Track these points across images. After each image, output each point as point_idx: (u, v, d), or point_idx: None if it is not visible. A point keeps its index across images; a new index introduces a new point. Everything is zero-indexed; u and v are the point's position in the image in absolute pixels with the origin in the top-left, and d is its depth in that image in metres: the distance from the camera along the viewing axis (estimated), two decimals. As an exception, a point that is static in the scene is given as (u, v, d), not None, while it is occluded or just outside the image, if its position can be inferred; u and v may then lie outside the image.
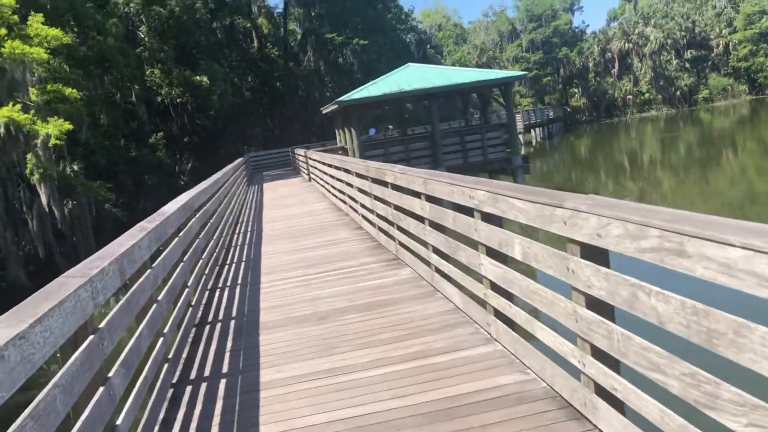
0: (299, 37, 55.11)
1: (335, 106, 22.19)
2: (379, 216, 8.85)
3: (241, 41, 53.80)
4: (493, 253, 4.21)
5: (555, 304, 3.26)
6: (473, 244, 4.63)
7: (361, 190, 10.26)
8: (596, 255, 2.80)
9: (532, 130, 60.55)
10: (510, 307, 4.10)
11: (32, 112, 17.42)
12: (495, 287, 4.28)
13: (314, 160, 19.34)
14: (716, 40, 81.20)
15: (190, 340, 5.80)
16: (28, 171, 17.44)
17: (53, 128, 16.79)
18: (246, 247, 10.64)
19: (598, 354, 2.85)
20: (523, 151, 21.34)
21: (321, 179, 18.26)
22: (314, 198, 17.29)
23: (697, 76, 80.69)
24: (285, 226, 12.32)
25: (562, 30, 77.59)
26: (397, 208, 7.30)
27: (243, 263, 9.34)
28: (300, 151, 25.14)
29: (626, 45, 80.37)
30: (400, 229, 7.45)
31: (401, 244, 7.54)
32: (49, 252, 19.49)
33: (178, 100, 40.11)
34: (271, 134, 51.94)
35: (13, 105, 16.95)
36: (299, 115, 51.35)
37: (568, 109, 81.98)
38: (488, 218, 4.23)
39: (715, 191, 24.01)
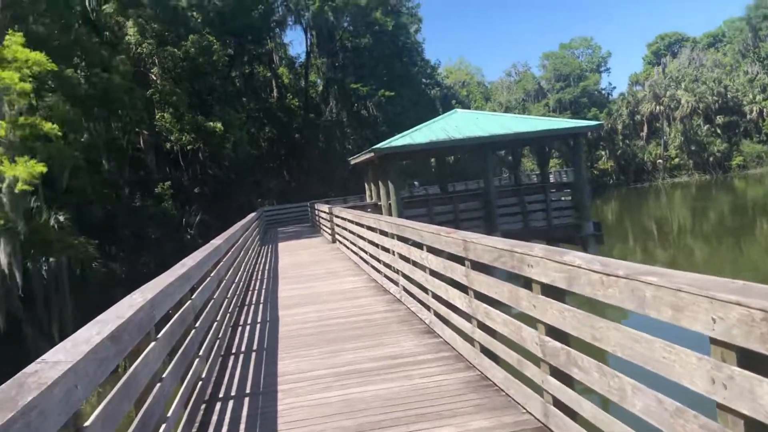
0: (321, 88, 52.65)
1: (368, 156, 18.77)
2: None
3: (259, 90, 51.41)
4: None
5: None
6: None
7: (433, 273, 6.62)
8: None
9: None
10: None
11: (0, 150, 14.15)
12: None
13: (341, 218, 15.79)
14: (749, 106, 78.63)
15: None
16: (-15, 222, 14.03)
17: (22, 170, 13.44)
18: (251, 362, 6.77)
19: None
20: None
21: (350, 242, 14.66)
22: (344, 267, 13.63)
23: (728, 142, 77.73)
24: (311, 317, 8.59)
25: (591, 90, 75.17)
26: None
27: (244, 408, 5.40)
28: (322, 207, 21.64)
29: (656, 108, 77.80)
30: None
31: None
32: (14, 321, 15.87)
33: (189, 148, 37.09)
34: (288, 187, 48.78)
35: (-23, 140, 13.72)
36: (318, 168, 48.28)
37: (596, 172, 78.86)
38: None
39: (747, 261, 22.66)
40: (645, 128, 79.06)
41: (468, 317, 5.47)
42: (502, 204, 18.29)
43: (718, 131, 77.95)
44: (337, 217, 16.98)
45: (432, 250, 6.38)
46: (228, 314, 8.32)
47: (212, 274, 7.18)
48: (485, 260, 4.54)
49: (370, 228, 11.40)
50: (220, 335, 7.18)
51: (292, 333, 7.69)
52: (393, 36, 50.39)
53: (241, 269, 11.94)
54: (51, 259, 16.57)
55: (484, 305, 4.90)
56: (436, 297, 6.63)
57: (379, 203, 19.00)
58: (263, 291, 11.45)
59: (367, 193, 22.58)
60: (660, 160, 78.19)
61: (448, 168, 27.94)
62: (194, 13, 38.50)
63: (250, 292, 11.32)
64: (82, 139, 28.64)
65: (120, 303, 3.75)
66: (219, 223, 41.48)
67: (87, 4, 34.53)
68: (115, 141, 34.69)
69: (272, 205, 45.33)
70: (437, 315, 6.68)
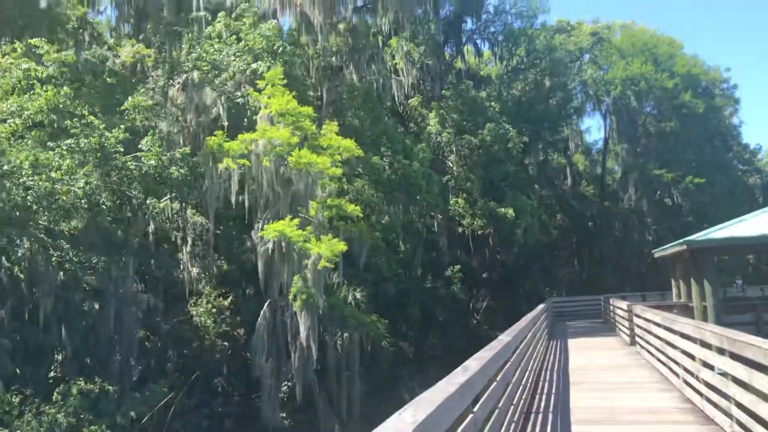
0: (619, 174, 49.94)
1: (677, 248, 16.44)
2: None
3: (552, 177, 50.56)
4: None
5: None
6: None
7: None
8: None
9: None
10: None
11: (309, 228, 15.30)
12: None
13: (645, 318, 13.76)
14: None
15: None
16: (291, 296, 15.10)
17: (326, 248, 14.29)
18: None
19: None
20: None
21: (656, 348, 12.58)
22: (648, 378, 11.63)
23: None
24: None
25: None
26: None
27: None
28: (620, 304, 19.51)
29: None
30: None
31: None
32: (308, 393, 16.70)
33: (479, 232, 37.38)
34: (578, 278, 46.38)
35: (292, 219, 15.00)
36: (612, 259, 45.20)
37: None
38: None
39: None
40: None
41: None
42: None
43: None
44: (638, 317, 14.94)
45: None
46: (513, 424, 7.25)
47: (498, 378, 6.25)
48: None
49: (685, 336, 9.50)
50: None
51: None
52: (704, 119, 45.99)
53: (528, 368, 10.81)
54: (345, 335, 17.26)
55: None
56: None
57: (690, 304, 16.42)
58: (552, 397, 10.13)
59: (674, 291, 19.87)
60: None
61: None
62: (492, 103, 39.60)
63: (537, 397, 10.09)
64: (383, 221, 30.57)
65: (385, 426, 2.99)
66: (505, 309, 40.81)
67: (396, 98, 37.73)
68: (412, 224, 36.48)
69: (560, 296, 43.29)
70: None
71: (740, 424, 6.55)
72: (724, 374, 6.96)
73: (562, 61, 43.25)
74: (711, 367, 7.93)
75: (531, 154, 46.25)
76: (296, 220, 15.39)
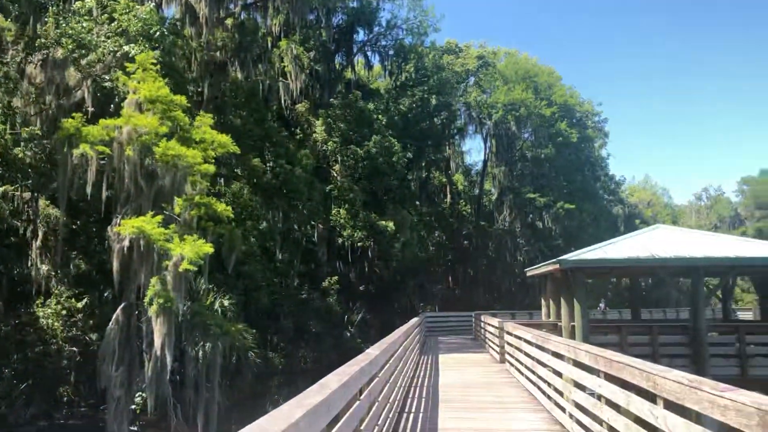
0: (495, 196, 51.47)
1: (549, 268, 16.63)
2: None
3: (433, 195, 51.29)
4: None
5: None
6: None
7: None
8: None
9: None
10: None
11: (172, 227, 14.04)
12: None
13: (516, 336, 13.68)
14: None
15: None
16: (147, 299, 13.73)
17: (189, 249, 13.09)
18: None
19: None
20: None
21: (526, 367, 12.47)
22: (518, 398, 11.44)
23: None
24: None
25: (798, 222, 66.83)
26: None
27: None
28: (491, 321, 19.57)
29: None
30: None
31: None
32: (163, 405, 15.29)
33: (359, 244, 36.94)
34: (451, 294, 47.11)
35: (154, 216, 13.70)
36: (485, 278, 46.32)
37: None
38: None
39: None
40: None
41: None
42: (714, 342, 15.12)
43: None
44: (509, 334, 14.88)
45: (681, 411, 4.30)
46: (376, 447, 6.60)
47: (362, 397, 5.57)
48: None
49: (556, 355, 9.30)
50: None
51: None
52: (576, 148, 48.41)
53: (398, 385, 10.24)
54: (207, 344, 16.02)
55: None
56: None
57: (558, 323, 16.62)
58: (420, 416, 9.60)
59: (543, 310, 20.21)
60: None
61: (640, 291, 24.62)
62: (380, 116, 39.49)
63: (405, 416, 9.52)
64: (261, 227, 29.35)
65: None
66: (380, 323, 40.56)
67: (282, 102, 36.71)
68: (291, 232, 35.48)
69: (434, 311, 43.72)
70: None
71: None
72: (598, 396, 6.68)
73: (449, 81, 43.98)
74: (583, 388, 7.69)
75: (414, 170, 46.64)
76: (159, 217, 14.06)
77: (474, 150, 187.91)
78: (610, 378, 6.19)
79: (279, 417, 2.96)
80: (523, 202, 46.72)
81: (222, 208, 15.59)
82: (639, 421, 5.26)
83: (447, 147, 48.85)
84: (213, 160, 15.89)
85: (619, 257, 15.04)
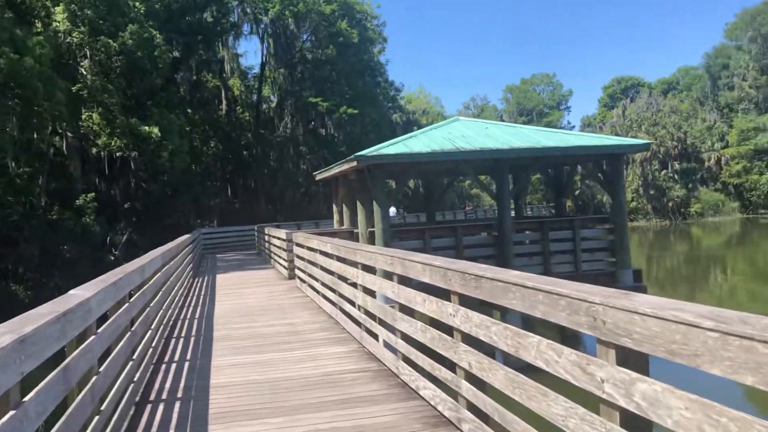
0: (274, 103, 48.06)
1: (344, 167, 14.36)
2: None
3: (207, 101, 46.55)
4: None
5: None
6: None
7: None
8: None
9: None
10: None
11: None
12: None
13: (310, 248, 11.29)
14: (707, 153, 78.05)
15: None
16: None
17: None
18: None
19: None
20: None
21: (324, 284, 10.21)
22: (316, 324, 9.16)
23: (686, 189, 76.63)
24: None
25: (554, 126, 72.99)
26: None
27: None
28: (277, 233, 17.04)
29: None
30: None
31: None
32: None
33: (119, 155, 31.90)
34: (231, 208, 43.79)
35: None
36: (266, 188, 43.55)
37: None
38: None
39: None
40: (605, 169, 77.23)
41: None
42: (517, 241, 14.17)
43: (676, 177, 76.75)
44: (300, 246, 12.47)
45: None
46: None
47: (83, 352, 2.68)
48: None
49: (366, 268, 7.01)
50: None
51: None
52: (357, 50, 46.45)
53: (153, 326, 7.30)
54: None
55: None
56: None
57: (355, 231, 14.60)
58: (184, 370, 6.78)
59: (336, 217, 18.15)
60: (618, 203, 76.32)
61: (437, 191, 23.64)
62: (137, 3, 33.64)
63: (161, 375, 6.61)
64: (-17, 133, 23.40)
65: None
66: (149, 243, 36.26)
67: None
68: (32, 142, 29.45)
69: (212, 227, 40.30)
70: None
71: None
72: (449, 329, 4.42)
73: (219, -31, 38.94)
74: (412, 314, 5.48)
75: (183, 71, 41.53)
76: None
77: (251, 52, 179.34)
78: (467, 300, 3.96)
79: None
80: (305, 106, 44.11)
81: None
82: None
83: (220, 47, 44.07)
84: None
85: (422, 150, 13.15)
